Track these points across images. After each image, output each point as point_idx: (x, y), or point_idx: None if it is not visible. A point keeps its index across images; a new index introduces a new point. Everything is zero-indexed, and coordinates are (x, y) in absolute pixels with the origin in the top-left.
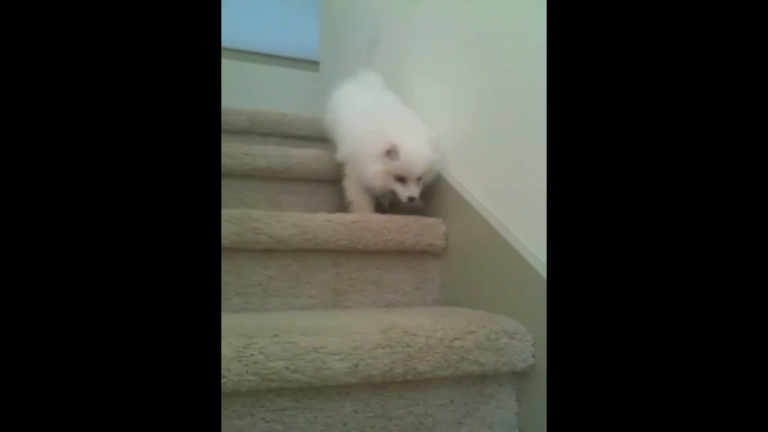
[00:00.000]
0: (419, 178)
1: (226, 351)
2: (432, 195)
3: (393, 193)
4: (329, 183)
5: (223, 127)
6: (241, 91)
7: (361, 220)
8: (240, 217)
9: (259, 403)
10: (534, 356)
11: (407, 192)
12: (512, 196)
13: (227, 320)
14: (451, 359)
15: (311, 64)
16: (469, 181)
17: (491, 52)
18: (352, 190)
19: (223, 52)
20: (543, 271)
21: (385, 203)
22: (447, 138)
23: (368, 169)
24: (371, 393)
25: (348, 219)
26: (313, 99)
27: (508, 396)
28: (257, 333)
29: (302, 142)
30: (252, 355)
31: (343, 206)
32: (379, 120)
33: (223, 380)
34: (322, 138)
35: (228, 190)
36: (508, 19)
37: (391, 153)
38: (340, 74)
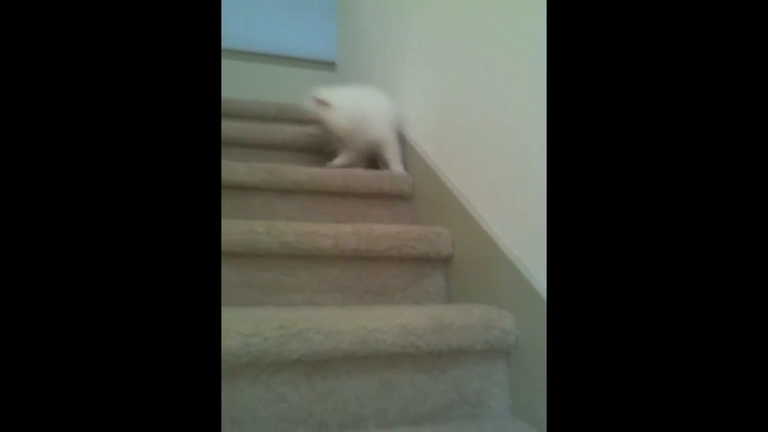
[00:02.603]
0: (313, 122)
1: (264, 237)
2: (405, 158)
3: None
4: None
5: (257, 114)
6: (269, 90)
7: (351, 172)
8: (270, 168)
9: (280, 263)
10: (453, 248)
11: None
12: (455, 153)
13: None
14: (396, 244)
15: (329, 65)
16: (427, 147)
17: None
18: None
19: (248, 56)
20: (465, 203)
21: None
22: (422, 121)
23: None
24: (347, 263)
25: (343, 172)
26: None
27: (438, 275)
28: (277, 228)
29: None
30: (277, 234)
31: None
32: None
33: (257, 245)
34: None
35: (264, 156)
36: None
37: None
38: (355, 74)
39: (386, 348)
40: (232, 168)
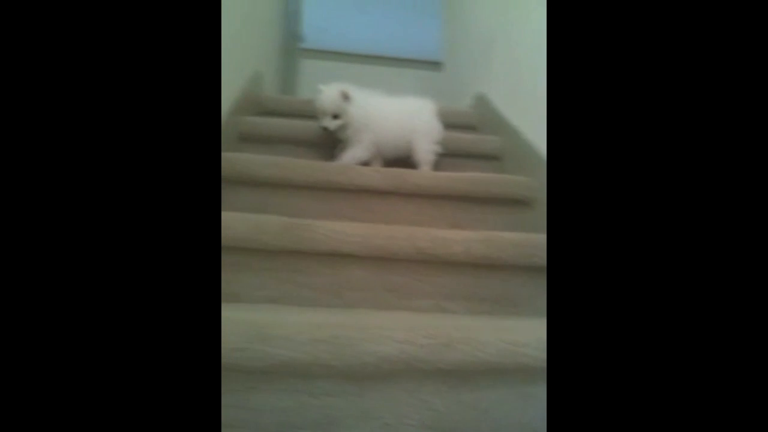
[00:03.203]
0: (335, 117)
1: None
2: (526, 162)
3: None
4: (452, 155)
5: None
6: (381, 90)
7: (473, 177)
8: (395, 173)
9: (411, 268)
10: None
11: (322, 123)
12: None
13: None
14: (524, 252)
15: (434, 65)
16: None
17: None
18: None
19: (361, 59)
20: None
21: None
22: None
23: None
24: (475, 270)
25: (464, 176)
26: (437, 94)
27: None
28: (412, 233)
29: None
30: (413, 240)
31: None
32: None
33: (395, 249)
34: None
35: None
36: None
37: (317, 94)
38: (463, 71)
39: (526, 361)
40: (364, 173)
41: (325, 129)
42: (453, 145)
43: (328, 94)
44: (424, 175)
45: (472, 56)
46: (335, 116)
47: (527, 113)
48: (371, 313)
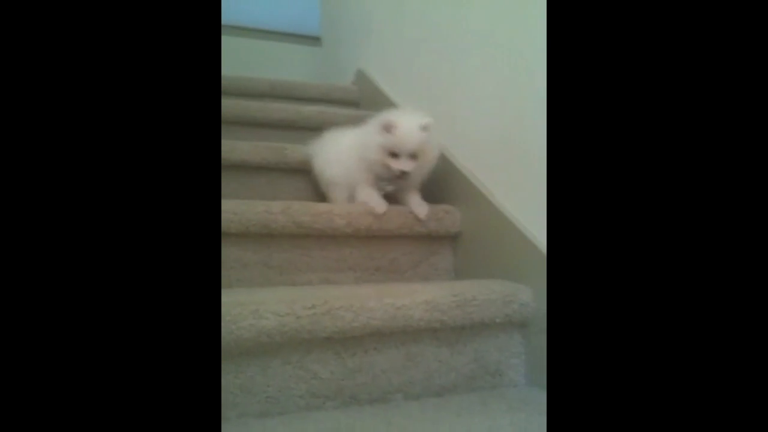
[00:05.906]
0: (412, 156)
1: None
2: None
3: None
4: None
5: (248, 91)
6: (256, 64)
7: None
8: (275, 147)
9: (295, 243)
10: (460, 226)
11: (399, 165)
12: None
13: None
14: (408, 224)
15: (314, 40)
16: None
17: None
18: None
19: (235, 31)
20: (473, 180)
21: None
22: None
23: (368, 144)
24: (361, 243)
25: None
26: (316, 70)
27: (448, 252)
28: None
29: (308, 102)
30: (292, 215)
31: None
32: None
33: (273, 225)
34: (322, 99)
35: (261, 135)
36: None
37: (388, 128)
38: (340, 48)
39: (413, 324)
40: (234, 146)
41: (402, 173)
42: (335, 120)
43: (410, 126)
44: (305, 150)
45: (351, 31)
46: (413, 155)
47: (407, 88)
48: (252, 291)
